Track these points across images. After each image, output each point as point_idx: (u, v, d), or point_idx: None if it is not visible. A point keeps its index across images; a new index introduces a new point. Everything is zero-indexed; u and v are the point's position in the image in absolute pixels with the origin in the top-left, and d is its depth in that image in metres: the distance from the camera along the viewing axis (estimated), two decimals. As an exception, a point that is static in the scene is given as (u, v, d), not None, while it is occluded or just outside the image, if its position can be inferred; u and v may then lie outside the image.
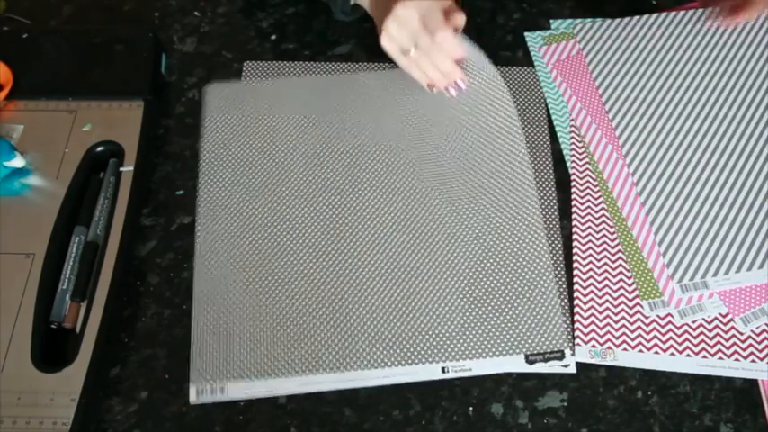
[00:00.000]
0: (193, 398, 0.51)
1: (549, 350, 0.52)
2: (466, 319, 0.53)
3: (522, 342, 0.52)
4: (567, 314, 0.54)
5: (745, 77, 0.65)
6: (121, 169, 0.59)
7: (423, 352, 0.52)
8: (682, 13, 0.69)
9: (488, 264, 0.55)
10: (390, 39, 0.57)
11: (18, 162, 0.57)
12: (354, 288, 0.55)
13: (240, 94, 0.64)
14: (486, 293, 0.54)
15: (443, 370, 0.52)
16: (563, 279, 0.56)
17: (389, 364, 0.52)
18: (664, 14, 0.69)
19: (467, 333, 0.53)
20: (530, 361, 0.52)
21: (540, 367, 0.52)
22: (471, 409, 0.51)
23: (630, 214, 0.58)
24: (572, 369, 0.52)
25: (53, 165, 0.58)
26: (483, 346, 0.52)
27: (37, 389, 0.49)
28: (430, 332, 0.53)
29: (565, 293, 0.55)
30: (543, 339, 0.52)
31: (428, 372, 0.52)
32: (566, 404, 0.51)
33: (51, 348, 0.52)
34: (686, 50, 0.66)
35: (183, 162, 0.62)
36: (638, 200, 0.58)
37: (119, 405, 0.51)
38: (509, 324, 0.53)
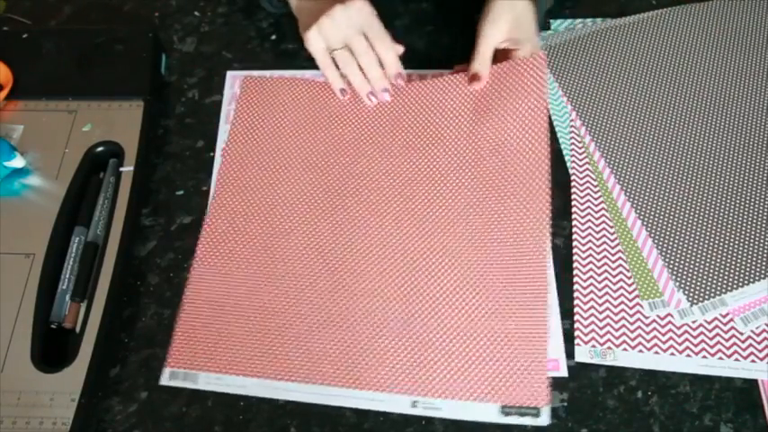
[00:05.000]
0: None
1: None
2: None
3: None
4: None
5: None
6: (121, 169, 0.59)
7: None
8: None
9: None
10: (319, 33, 0.58)
11: (18, 162, 0.58)
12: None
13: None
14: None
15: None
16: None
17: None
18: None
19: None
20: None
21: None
22: (471, 409, 0.51)
23: (630, 214, 0.58)
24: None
25: (53, 165, 0.58)
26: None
27: (37, 389, 0.49)
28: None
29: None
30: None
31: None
32: (566, 404, 0.51)
33: (51, 348, 0.52)
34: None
35: (183, 162, 0.62)
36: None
37: (119, 405, 0.51)
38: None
